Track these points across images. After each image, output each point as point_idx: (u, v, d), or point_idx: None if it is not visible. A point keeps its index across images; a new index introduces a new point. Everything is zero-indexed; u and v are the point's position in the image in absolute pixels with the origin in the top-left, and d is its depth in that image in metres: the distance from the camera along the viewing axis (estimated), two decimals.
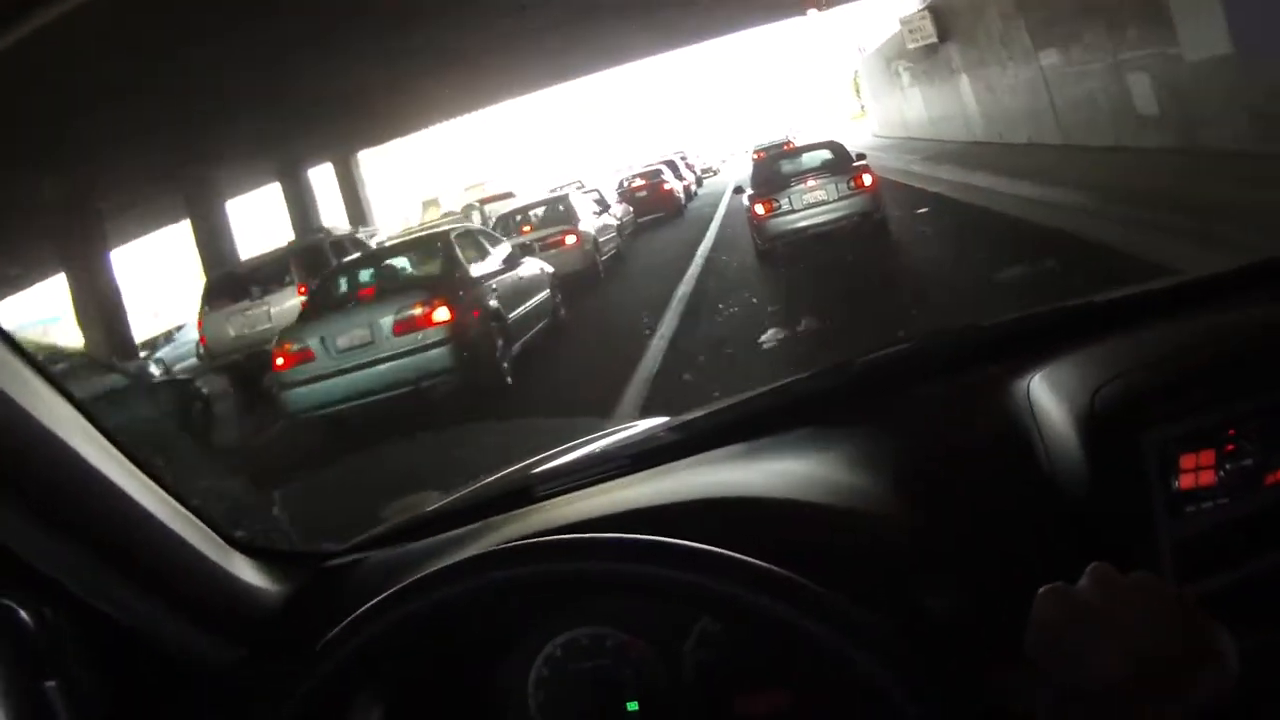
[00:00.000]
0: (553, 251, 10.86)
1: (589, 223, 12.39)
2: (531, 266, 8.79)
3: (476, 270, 7.80)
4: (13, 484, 0.74)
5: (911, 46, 15.66)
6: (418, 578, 0.74)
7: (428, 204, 31.72)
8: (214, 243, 16.30)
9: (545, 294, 8.66)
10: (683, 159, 26.84)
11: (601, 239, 12.61)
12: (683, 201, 20.50)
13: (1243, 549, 0.82)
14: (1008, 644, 0.68)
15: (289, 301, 10.12)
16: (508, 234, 11.34)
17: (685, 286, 9.41)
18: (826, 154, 10.51)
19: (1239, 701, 0.57)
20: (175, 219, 17.76)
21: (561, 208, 12.71)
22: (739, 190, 12.40)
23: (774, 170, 10.74)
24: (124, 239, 16.93)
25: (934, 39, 15.36)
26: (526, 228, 12.59)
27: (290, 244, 12.99)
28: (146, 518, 0.86)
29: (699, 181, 27.35)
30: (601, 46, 17.79)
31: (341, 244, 12.25)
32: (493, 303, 7.36)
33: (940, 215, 10.14)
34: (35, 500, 0.76)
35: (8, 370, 0.76)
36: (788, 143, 15.35)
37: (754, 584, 0.68)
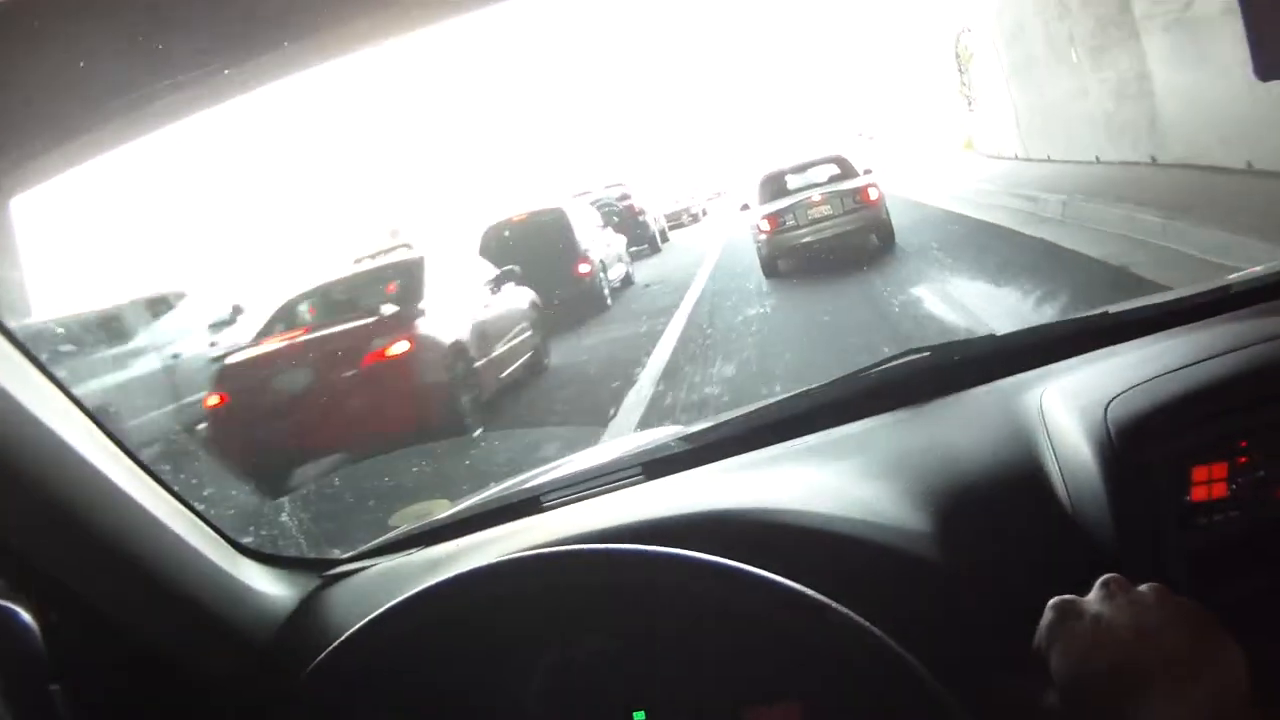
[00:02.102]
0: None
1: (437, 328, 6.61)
2: None
3: None
4: (18, 487, 0.77)
5: None
6: (404, 598, 0.77)
7: None
8: None
9: None
10: (619, 201, 16.65)
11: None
12: (600, 294, 11.41)
13: (1254, 561, 0.84)
14: (1020, 653, 0.71)
15: None
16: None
17: None
18: (833, 168, 10.89)
19: (1255, 711, 0.56)
20: None
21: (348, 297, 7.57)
22: (745, 207, 12.56)
23: (780, 185, 11.29)
24: None
25: None
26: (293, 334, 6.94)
27: None
28: (153, 523, 0.89)
29: (659, 237, 17.86)
30: None
31: None
32: None
33: None
34: (41, 504, 0.78)
35: (13, 372, 0.79)
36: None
37: (783, 604, 0.71)
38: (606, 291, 11.72)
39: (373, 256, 10.23)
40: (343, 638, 0.76)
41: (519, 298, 8.84)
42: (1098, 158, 11.17)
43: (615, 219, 16.10)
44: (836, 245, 10.34)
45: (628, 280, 13.42)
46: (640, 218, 17.26)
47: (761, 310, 8.96)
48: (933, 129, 23.16)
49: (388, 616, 0.77)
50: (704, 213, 26.59)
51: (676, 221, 23.17)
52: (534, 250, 12.06)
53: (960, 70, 19.44)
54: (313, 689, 0.77)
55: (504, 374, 7.47)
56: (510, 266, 9.46)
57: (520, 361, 7.93)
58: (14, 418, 0.76)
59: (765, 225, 10.50)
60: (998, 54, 14.87)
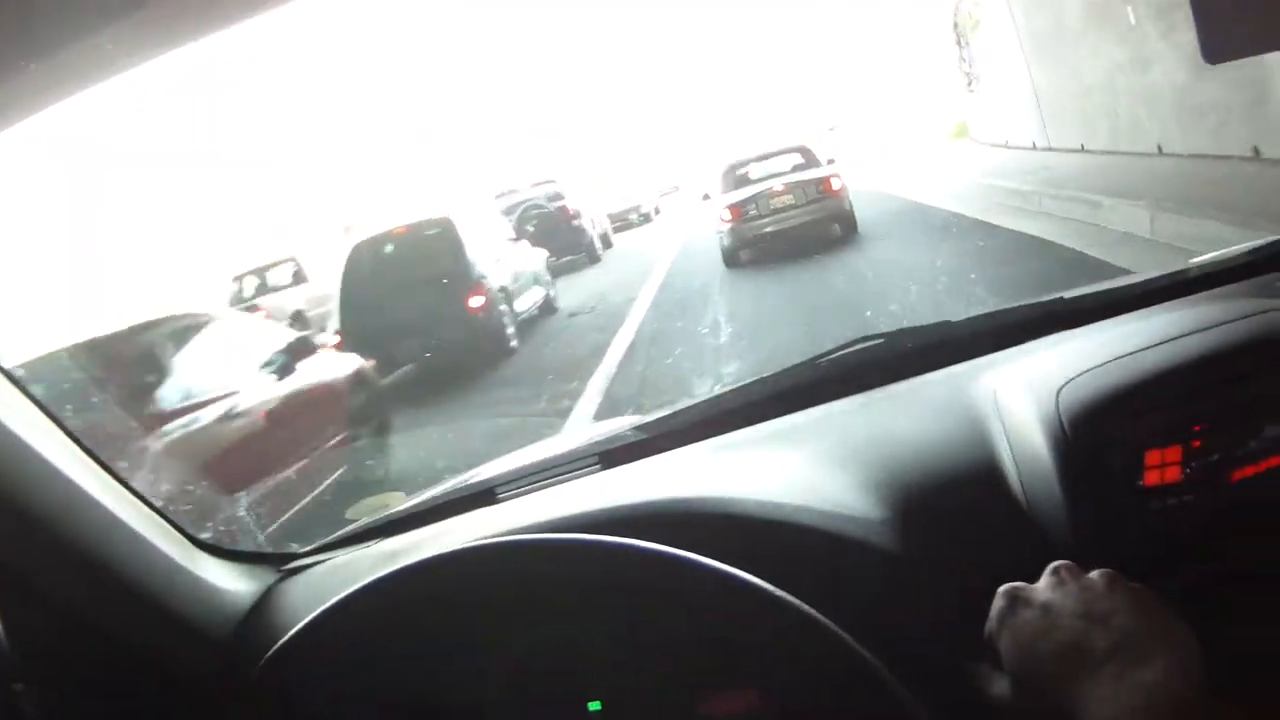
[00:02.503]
0: None
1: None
2: None
3: None
4: None
5: None
6: (351, 591, 0.85)
7: None
8: None
9: None
10: (550, 201, 15.39)
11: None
12: (500, 334, 9.47)
13: (1209, 544, 0.94)
14: (973, 640, 0.80)
15: None
16: None
17: None
18: (796, 158, 12.20)
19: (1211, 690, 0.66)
20: None
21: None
22: (706, 197, 13.32)
23: (742, 175, 12.19)
24: None
25: None
26: None
27: None
28: (111, 518, 0.99)
29: (600, 243, 16.32)
30: None
31: None
32: None
33: None
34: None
35: None
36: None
37: (733, 594, 0.78)
38: (511, 330, 9.80)
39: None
40: (294, 630, 0.85)
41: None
42: (1160, 147, 9.62)
43: (539, 225, 14.50)
44: (799, 235, 10.75)
45: (548, 307, 11.61)
46: (575, 221, 15.43)
47: (716, 346, 7.44)
48: (920, 114, 21.37)
49: (337, 609, 0.85)
50: (656, 211, 24.88)
51: (623, 222, 21.72)
52: (411, 277, 9.79)
53: (960, 43, 17.41)
54: (267, 682, 0.86)
55: None
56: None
57: None
58: None
59: (727, 215, 11.10)
60: (1013, 21, 13.24)
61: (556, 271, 12.88)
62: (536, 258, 11.64)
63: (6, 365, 0.96)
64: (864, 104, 25.28)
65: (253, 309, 12.96)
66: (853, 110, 26.48)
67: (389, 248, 10.21)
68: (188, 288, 13.78)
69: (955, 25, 16.77)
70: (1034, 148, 13.45)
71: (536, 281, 11.17)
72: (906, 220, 11.27)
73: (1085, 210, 7.85)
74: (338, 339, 9.34)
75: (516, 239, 11.64)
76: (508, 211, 14.81)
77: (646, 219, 23.21)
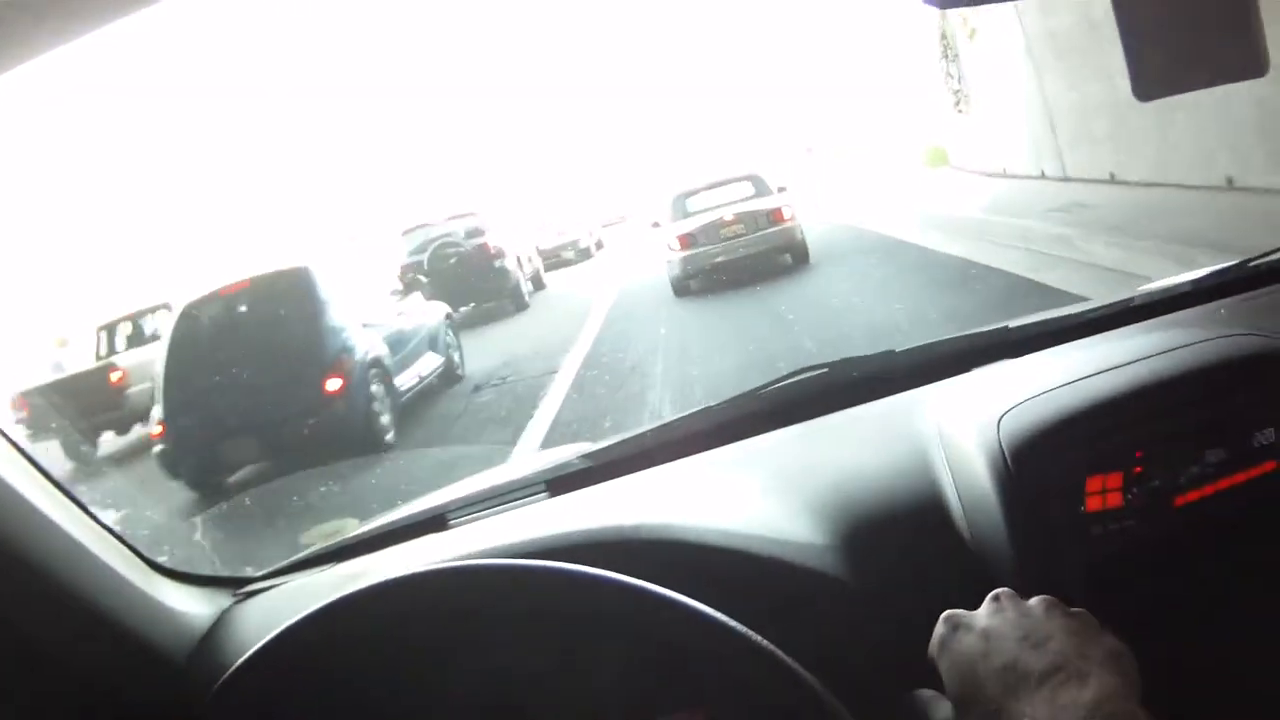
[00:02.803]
0: None
1: None
2: None
3: None
4: None
5: None
6: (301, 616, 0.88)
7: None
8: None
9: None
10: (468, 239, 14.04)
11: None
12: (364, 423, 7.61)
13: (1151, 569, 1.00)
14: (916, 667, 0.84)
15: None
16: None
17: None
18: (747, 187, 13.00)
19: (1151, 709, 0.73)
20: None
21: None
22: (655, 225, 13.38)
23: (692, 203, 12.96)
24: None
25: None
26: None
27: None
28: (65, 538, 1.02)
29: (528, 285, 15.09)
30: None
31: None
32: None
33: None
34: None
35: None
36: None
37: (681, 620, 0.81)
38: (385, 420, 7.49)
39: None
40: (243, 658, 0.90)
41: None
42: (1231, 180, 7.56)
43: (455, 266, 12.74)
44: (750, 265, 11.43)
45: (450, 375, 9.39)
46: (497, 262, 13.43)
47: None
48: (896, 137, 20.05)
49: (287, 635, 0.89)
50: (598, 245, 23.88)
51: (555, 259, 20.46)
52: (250, 352, 7.41)
53: (947, 56, 14.69)
54: (218, 708, 0.89)
55: None
56: None
57: None
58: None
59: (676, 244, 11.33)
60: (1020, 23, 10.85)
61: (475, 321, 12.46)
62: (433, 313, 10.43)
63: None
64: (842, 124, 24.20)
65: (108, 369, 11.28)
66: (830, 130, 25.22)
67: (226, 311, 8.40)
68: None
69: (943, 36, 15.36)
70: (1043, 176, 12.61)
71: (431, 346, 9.97)
72: (904, 268, 9.99)
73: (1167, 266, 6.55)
74: (159, 429, 7.77)
75: (405, 291, 10.43)
76: (417, 250, 13.76)
77: (587, 253, 22.56)
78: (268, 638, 0.89)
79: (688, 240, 11.50)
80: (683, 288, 11.81)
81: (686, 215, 12.34)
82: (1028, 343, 1.35)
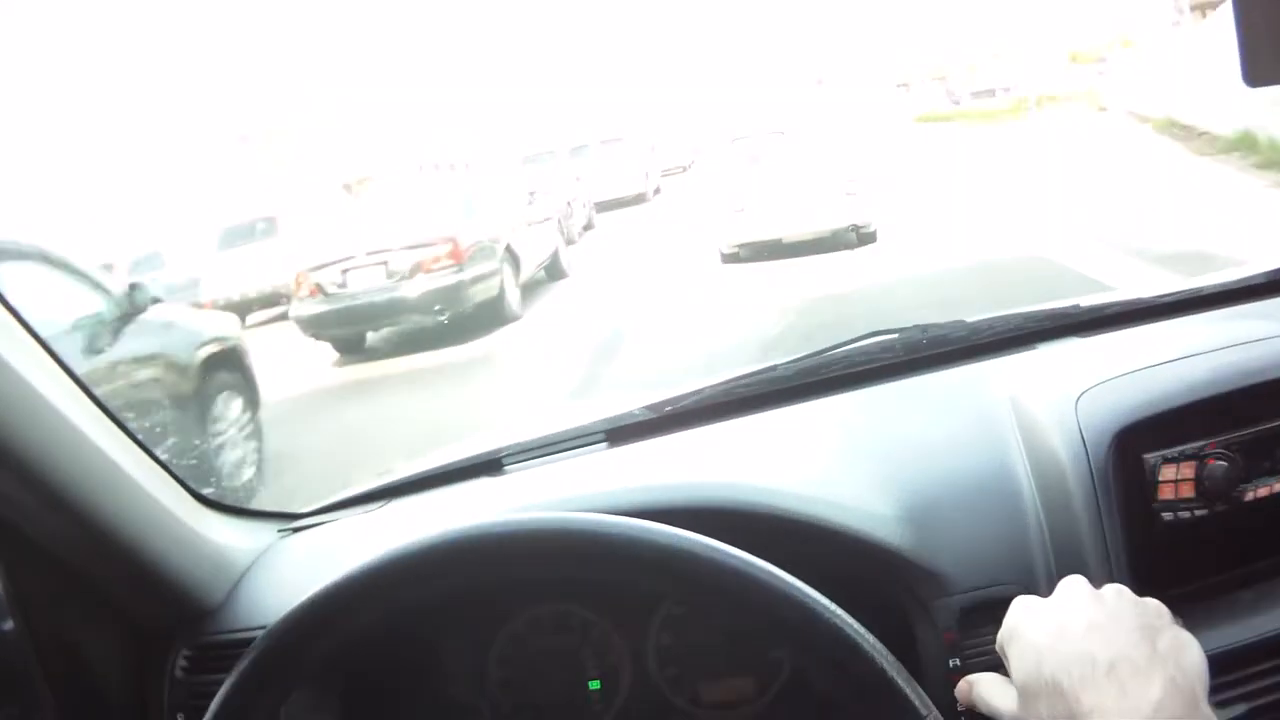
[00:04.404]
0: None
1: None
2: None
3: None
4: None
5: None
6: (380, 556, 0.83)
7: None
8: None
9: None
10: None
11: None
12: None
13: (1220, 559, 1.02)
14: (977, 647, 0.92)
15: None
16: None
17: None
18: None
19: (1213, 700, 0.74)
20: None
21: None
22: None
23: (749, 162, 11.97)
24: None
25: None
26: None
27: None
28: (113, 467, 1.05)
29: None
30: None
31: None
32: None
33: None
34: None
35: None
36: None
37: (753, 585, 0.78)
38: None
39: None
40: (313, 593, 0.84)
41: None
42: None
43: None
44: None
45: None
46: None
47: None
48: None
49: (358, 576, 0.84)
50: (656, 191, 23.84)
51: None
52: None
53: None
54: (277, 643, 0.84)
55: None
56: None
57: None
58: None
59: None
60: None
61: None
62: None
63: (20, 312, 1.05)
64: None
65: None
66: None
67: None
68: None
69: None
70: None
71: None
72: None
73: None
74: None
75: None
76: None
77: (642, 198, 22.16)
78: (339, 577, 0.83)
79: (741, 208, 10.44)
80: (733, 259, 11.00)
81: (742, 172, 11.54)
82: (1097, 323, 1.35)
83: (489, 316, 9.08)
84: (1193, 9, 12.09)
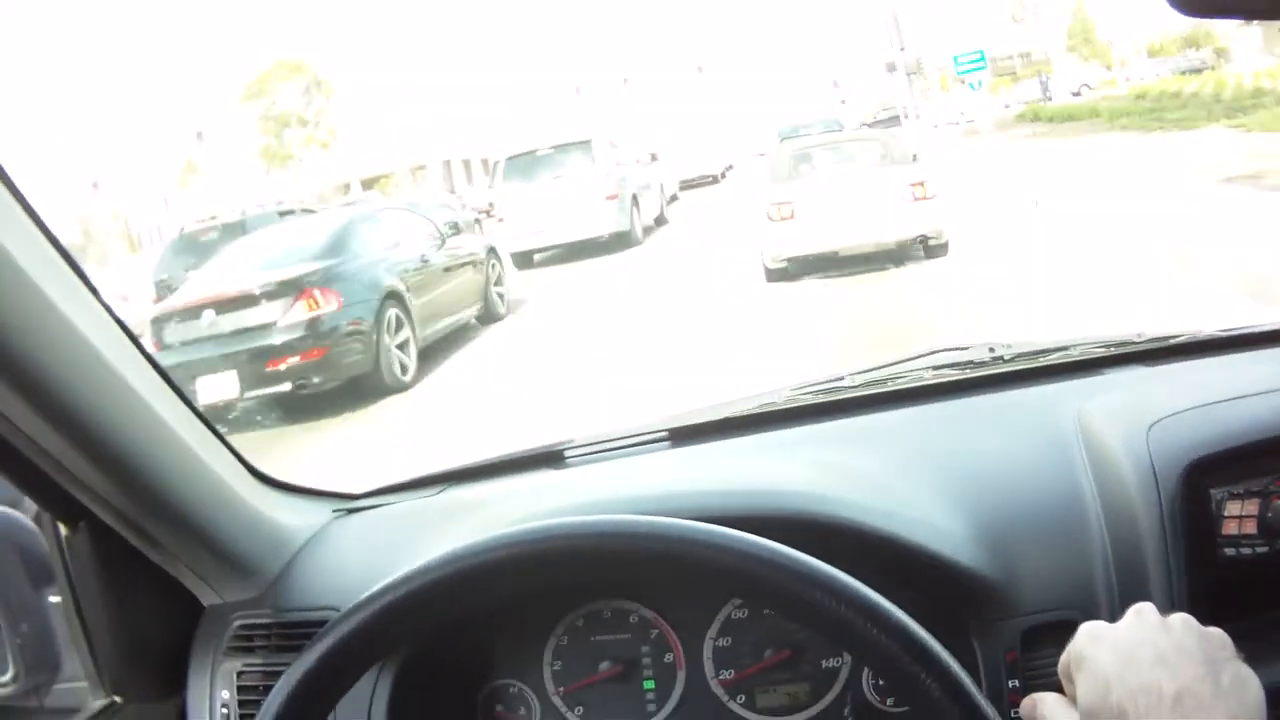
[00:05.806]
0: None
1: None
2: None
3: None
4: (47, 394, 0.89)
5: None
6: (468, 546, 0.81)
7: None
8: None
9: None
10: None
11: None
12: None
13: (1277, 596, 1.02)
14: (1039, 670, 0.95)
15: None
16: None
17: None
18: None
19: None
20: None
21: None
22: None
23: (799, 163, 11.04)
24: None
25: None
26: None
27: None
28: (174, 440, 1.06)
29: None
30: None
31: None
32: None
33: None
34: (57, 409, 0.93)
35: (47, 270, 0.92)
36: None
37: (832, 595, 0.77)
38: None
39: None
40: (399, 575, 0.81)
41: None
42: None
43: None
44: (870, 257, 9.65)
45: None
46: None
47: None
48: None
49: (444, 563, 0.81)
50: (725, 173, 25.52)
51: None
52: None
53: None
54: (353, 623, 0.81)
55: None
56: None
57: None
58: (54, 330, 0.90)
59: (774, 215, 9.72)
60: None
61: None
62: None
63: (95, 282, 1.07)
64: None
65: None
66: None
67: None
68: None
69: None
70: None
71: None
72: None
73: None
74: None
75: None
76: None
77: (716, 180, 22.80)
78: (424, 562, 0.81)
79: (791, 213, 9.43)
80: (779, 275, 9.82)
81: (792, 178, 10.19)
82: (1163, 353, 1.34)
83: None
84: None
